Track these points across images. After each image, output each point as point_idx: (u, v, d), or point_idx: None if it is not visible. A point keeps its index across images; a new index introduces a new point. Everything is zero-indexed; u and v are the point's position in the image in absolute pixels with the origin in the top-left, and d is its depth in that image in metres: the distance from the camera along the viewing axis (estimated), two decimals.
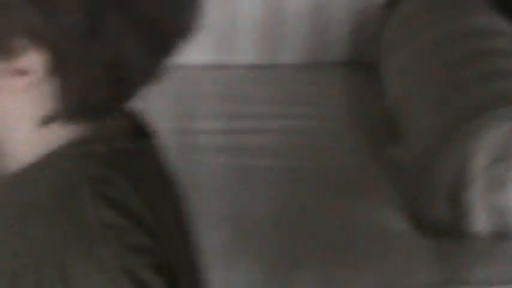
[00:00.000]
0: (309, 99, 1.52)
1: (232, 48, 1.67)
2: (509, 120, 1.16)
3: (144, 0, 0.54)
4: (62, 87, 0.56)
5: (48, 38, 0.53)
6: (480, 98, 1.23)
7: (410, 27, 1.52)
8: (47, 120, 0.57)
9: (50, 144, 0.58)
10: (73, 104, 0.56)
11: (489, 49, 1.32)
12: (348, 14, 1.65)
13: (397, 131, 1.38)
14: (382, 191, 1.22)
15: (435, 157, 1.22)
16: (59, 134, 0.57)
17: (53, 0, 0.52)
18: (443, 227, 1.17)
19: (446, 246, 1.17)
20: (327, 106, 1.49)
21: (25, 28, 0.53)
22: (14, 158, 0.61)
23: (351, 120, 1.43)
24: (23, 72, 0.54)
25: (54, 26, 0.53)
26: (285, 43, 1.66)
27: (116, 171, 0.56)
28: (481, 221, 1.14)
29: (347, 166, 1.29)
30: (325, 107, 1.49)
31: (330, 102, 1.50)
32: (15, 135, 0.60)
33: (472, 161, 1.15)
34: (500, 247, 1.14)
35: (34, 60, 0.54)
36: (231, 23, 1.66)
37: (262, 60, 1.64)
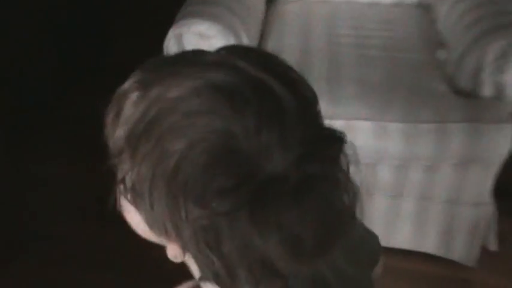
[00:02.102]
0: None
1: None
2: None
3: (296, 225, 0.58)
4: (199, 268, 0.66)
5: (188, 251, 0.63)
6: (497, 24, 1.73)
7: None
8: (200, 279, 0.67)
9: None
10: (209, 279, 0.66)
11: None
12: None
13: (444, 45, 1.92)
14: (435, 72, 1.81)
15: (463, 57, 1.75)
16: None
17: (193, 239, 0.60)
18: (468, 92, 1.73)
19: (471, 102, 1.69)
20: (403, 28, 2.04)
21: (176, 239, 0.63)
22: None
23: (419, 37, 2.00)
24: (173, 242, 0.64)
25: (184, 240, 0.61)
26: None
27: None
28: (488, 90, 1.69)
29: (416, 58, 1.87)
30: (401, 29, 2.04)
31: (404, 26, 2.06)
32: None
33: (485, 58, 1.68)
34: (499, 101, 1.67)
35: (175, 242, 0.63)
36: None
37: None
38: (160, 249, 0.67)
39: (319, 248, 0.63)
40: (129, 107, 0.62)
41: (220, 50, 0.66)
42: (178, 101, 0.58)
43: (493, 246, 1.88)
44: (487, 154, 1.66)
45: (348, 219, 0.64)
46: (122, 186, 0.65)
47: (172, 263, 0.67)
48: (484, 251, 1.85)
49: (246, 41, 1.77)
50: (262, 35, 1.98)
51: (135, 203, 0.64)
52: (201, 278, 0.68)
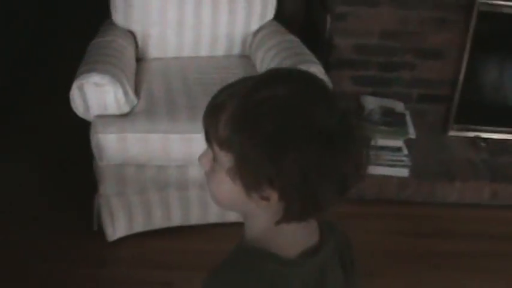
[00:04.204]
0: None
1: None
2: None
3: (340, 165, 0.93)
4: (285, 208, 0.97)
5: (278, 184, 0.93)
6: None
7: None
8: (276, 223, 0.99)
9: (270, 234, 1.03)
10: (288, 217, 0.97)
11: None
12: None
13: None
14: None
15: None
16: (279, 229, 1.01)
17: (282, 165, 0.92)
18: None
19: None
20: None
21: (268, 178, 0.93)
22: (249, 235, 1.07)
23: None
24: (265, 198, 0.96)
25: (282, 178, 0.93)
26: None
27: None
28: None
29: None
30: None
31: (234, 69, 3.05)
32: (255, 225, 1.06)
33: None
34: None
35: (271, 193, 0.95)
36: None
37: None
38: None
39: (353, 186, 0.98)
40: (229, 110, 0.97)
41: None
42: (270, 99, 0.96)
43: None
44: None
45: (367, 165, 0.99)
46: (231, 168, 0.97)
47: None
48: None
49: (127, 86, 2.59)
50: (136, 83, 2.80)
51: (238, 174, 0.97)
52: (280, 220, 1.00)
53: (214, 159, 1.01)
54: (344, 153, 0.95)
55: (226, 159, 0.97)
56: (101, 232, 2.67)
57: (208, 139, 1.02)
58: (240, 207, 1.03)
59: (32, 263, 2.56)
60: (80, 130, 2.65)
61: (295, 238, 1.06)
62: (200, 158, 1.06)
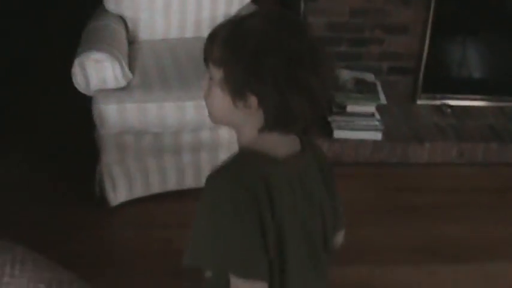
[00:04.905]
0: None
1: None
2: None
3: (315, 86, 1.21)
4: (264, 117, 1.24)
5: (260, 96, 1.21)
6: None
7: None
8: (260, 130, 1.26)
9: (258, 141, 1.29)
10: (268, 124, 1.24)
11: None
12: None
13: None
14: None
15: None
16: (269, 143, 1.29)
17: (258, 74, 1.18)
18: None
19: None
20: None
21: (248, 85, 1.21)
22: (241, 143, 1.33)
23: None
24: (248, 106, 1.22)
25: (258, 85, 1.21)
26: None
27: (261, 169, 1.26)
28: None
29: None
30: None
31: None
32: (244, 134, 1.31)
33: None
34: None
35: (252, 100, 1.22)
36: None
37: None
38: None
39: (321, 101, 1.24)
40: (221, 36, 1.25)
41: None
42: (253, 29, 1.23)
43: None
44: None
45: (332, 82, 1.25)
46: (221, 79, 1.24)
47: None
48: None
49: (123, 62, 2.83)
50: (130, 62, 3.03)
51: (226, 84, 1.24)
52: (263, 128, 1.26)
53: (211, 78, 1.28)
54: (311, 69, 1.21)
55: (218, 73, 1.25)
56: (102, 199, 2.91)
57: (206, 63, 1.29)
58: (230, 117, 1.29)
59: (39, 231, 2.71)
60: (79, 113, 2.92)
61: (281, 143, 1.32)
62: (201, 82, 1.34)
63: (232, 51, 1.22)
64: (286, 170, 1.30)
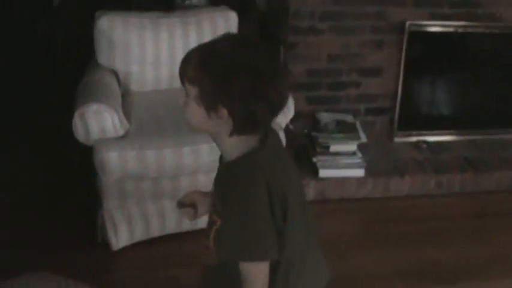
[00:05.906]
0: None
1: None
2: None
3: (274, 96, 1.41)
4: (233, 124, 1.43)
5: (230, 108, 1.41)
6: None
7: None
8: (230, 134, 1.44)
9: (240, 148, 1.49)
10: (238, 129, 1.44)
11: None
12: None
13: None
14: None
15: None
16: (244, 143, 1.48)
17: (228, 90, 1.38)
18: None
19: None
20: None
21: (219, 99, 1.39)
22: (227, 154, 1.52)
23: None
24: (220, 116, 1.42)
25: (228, 98, 1.40)
26: None
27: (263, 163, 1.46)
28: None
29: None
30: None
31: None
32: (224, 143, 1.51)
33: None
34: None
35: (224, 113, 1.41)
36: None
37: None
38: None
39: (279, 109, 1.44)
40: (195, 58, 1.43)
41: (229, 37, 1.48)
42: (223, 51, 1.40)
43: None
44: None
45: (287, 95, 1.46)
46: (196, 96, 1.41)
47: None
48: None
49: (120, 113, 3.00)
50: (124, 112, 3.20)
51: (201, 100, 1.41)
52: (232, 132, 1.44)
53: (186, 94, 1.46)
54: (270, 82, 1.40)
55: (193, 90, 1.43)
56: (103, 244, 3.01)
57: (182, 82, 1.47)
58: (205, 126, 1.46)
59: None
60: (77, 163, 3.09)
61: (253, 138, 1.51)
62: (178, 98, 1.50)
63: (205, 71, 1.40)
64: (268, 158, 1.51)
